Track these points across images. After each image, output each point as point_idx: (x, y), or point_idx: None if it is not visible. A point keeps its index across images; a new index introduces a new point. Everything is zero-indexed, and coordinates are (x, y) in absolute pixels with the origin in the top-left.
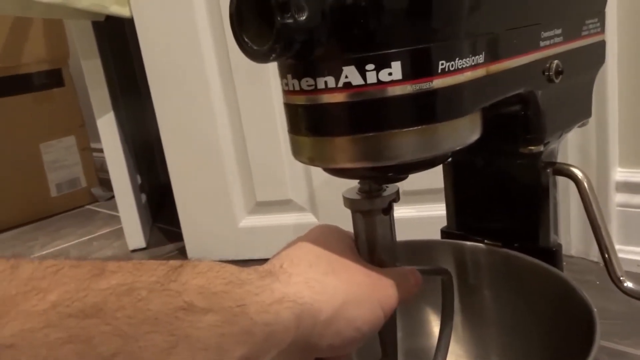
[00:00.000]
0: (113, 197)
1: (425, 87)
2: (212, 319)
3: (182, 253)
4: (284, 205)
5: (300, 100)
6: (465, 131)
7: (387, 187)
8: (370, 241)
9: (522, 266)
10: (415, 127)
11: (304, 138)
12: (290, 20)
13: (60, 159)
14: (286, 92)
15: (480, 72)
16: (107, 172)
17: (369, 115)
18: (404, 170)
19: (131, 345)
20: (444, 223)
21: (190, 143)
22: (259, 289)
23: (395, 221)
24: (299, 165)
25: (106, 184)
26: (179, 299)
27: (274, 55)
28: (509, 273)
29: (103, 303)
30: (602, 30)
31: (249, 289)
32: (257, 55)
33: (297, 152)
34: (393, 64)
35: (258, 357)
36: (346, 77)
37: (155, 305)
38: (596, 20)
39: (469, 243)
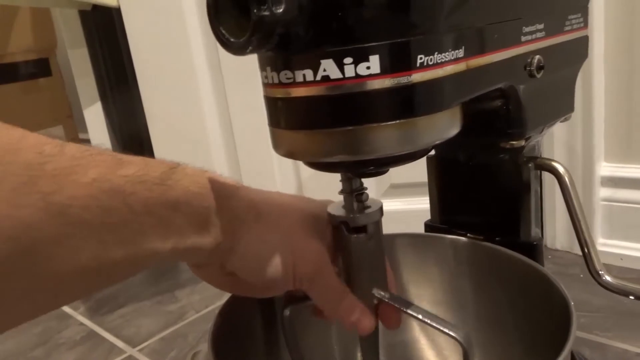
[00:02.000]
0: None
1: (403, 81)
2: (186, 210)
3: None
4: None
5: (279, 93)
6: (444, 125)
7: (369, 208)
8: (343, 258)
9: (501, 259)
10: (394, 121)
11: (283, 131)
12: (266, 13)
13: None
14: (266, 85)
15: (460, 67)
16: None
17: (347, 109)
18: (383, 163)
19: (136, 219)
20: (428, 216)
21: (179, 136)
22: (221, 200)
23: (405, 214)
24: (288, 159)
25: None
26: (170, 194)
27: (250, 47)
28: (490, 266)
29: (123, 186)
30: (585, 26)
31: (213, 197)
32: (234, 48)
33: (277, 146)
34: (371, 57)
35: (201, 247)
36: (324, 70)
37: (155, 194)
38: (579, 15)
39: (450, 236)
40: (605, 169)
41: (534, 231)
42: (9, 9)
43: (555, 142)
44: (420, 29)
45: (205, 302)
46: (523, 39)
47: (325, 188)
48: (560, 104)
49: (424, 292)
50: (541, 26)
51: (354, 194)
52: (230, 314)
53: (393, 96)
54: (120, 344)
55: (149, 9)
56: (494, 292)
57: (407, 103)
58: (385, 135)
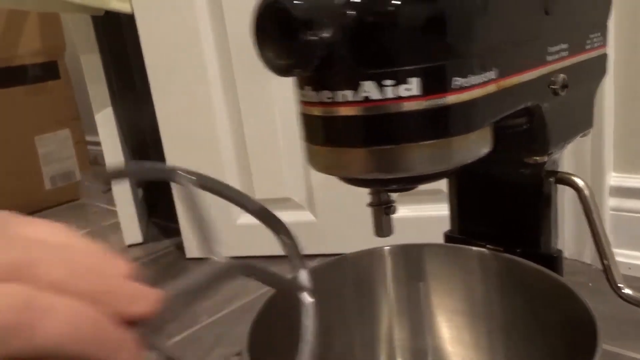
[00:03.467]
0: (107, 190)
1: (440, 103)
2: None
3: (179, 248)
4: (282, 203)
5: (319, 111)
6: (476, 145)
7: None
8: None
9: (526, 272)
10: (429, 141)
11: (320, 148)
12: (313, 37)
13: (54, 152)
14: (304, 103)
15: (491, 88)
16: (101, 165)
17: (385, 129)
18: (416, 181)
19: None
20: (443, 223)
21: (190, 139)
22: None
23: (396, 221)
24: (298, 164)
25: (100, 177)
26: None
27: (296, 70)
28: (514, 279)
29: None
30: (605, 44)
31: None
32: (279, 70)
33: (312, 161)
34: (411, 80)
35: None
36: (365, 91)
37: None
38: (599, 34)
39: (476, 248)
40: (614, 179)
41: (554, 243)
42: (18, 12)
43: (565, 153)
44: (457, 53)
45: (217, 306)
46: (548, 58)
47: (336, 193)
48: (581, 120)
49: (449, 302)
50: (565, 46)
51: (382, 206)
52: (268, 318)
53: (429, 117)
54: None
55: (163, 15)
56: (519, 304)
57: (442, 123)
58: (421, 155)
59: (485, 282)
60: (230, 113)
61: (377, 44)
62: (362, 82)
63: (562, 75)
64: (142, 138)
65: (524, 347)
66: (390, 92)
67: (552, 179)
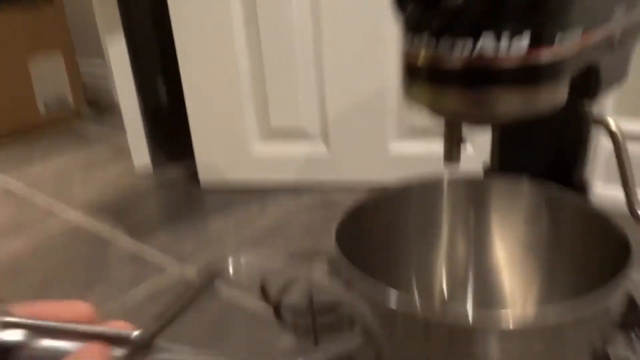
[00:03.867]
0: (101, 115)
1: (542, 56)
2: None
3: (190, 177)
4: (296, 132)
5: (432, 55)
6: (560, 93)
7: None
8: None
9: (571, 203)
10: (525, 87)
11: (427, 86)
12: (454, 3)
13: (48, 76)
14: (414, 48)
15: (577, 44)
16: (92, 90)
17: (491, 74)
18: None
19: None
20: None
21: (208, 65)
22: None
23: (425, 157)
24: (314, 95)
25: (92, 103)
26: None
27: (436, 27)
28: (561, 209)
29: None
30: None
31: None
32: (420, 27)
33: (415, 97)
34: (522, 35)
35: None
36: (482, 41)
37: None
38: None
39: (526, 180)
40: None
41: (584, 175)
42: None
43: None
44: (560, 14)
45: (240, 227)
46: (613, 17)
47: (349, 127)
48: (622, 71)
49: (501, 230)
50: (625, 5)
51: (456, 141)
52: (355, 214)
53: (529, 67)
54: (170, 261)
55: None
56: (564, 233)
57: (539, 73)
58: (516, 98)
59: (537, 212)
60: (250, 39)
61: (502, 5)
62: (479, 35)
63: (619, 32)
64: (144, 62)
65: (562, 268)
66: (503, 44)
67: (591, 120)
